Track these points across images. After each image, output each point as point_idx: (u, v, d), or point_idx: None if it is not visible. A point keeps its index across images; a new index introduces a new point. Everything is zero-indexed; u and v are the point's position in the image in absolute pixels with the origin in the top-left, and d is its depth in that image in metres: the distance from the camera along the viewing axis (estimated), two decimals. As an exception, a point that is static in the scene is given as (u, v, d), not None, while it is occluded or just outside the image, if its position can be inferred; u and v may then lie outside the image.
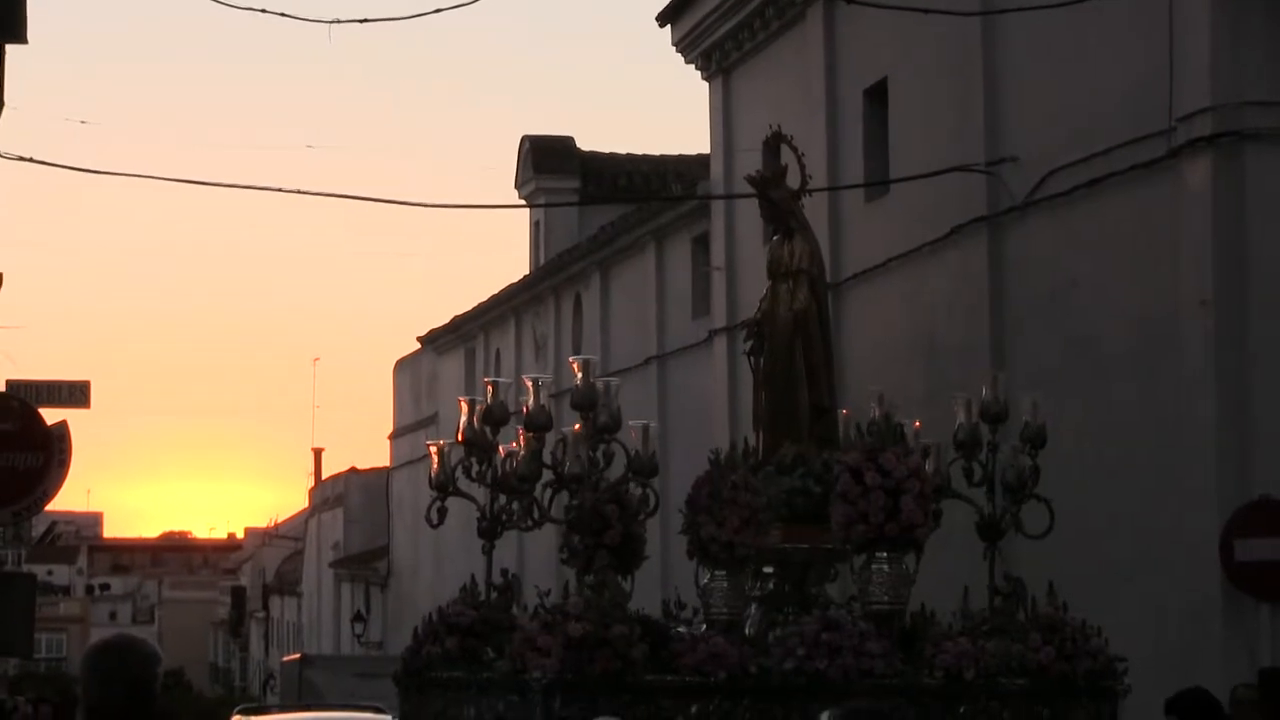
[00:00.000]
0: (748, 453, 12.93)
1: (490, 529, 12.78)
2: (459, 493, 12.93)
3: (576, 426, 12.35)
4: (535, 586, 12.65)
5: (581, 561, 11.94)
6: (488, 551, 12.81)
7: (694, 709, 11.41)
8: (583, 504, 11.91)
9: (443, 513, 12.88)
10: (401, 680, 12.93)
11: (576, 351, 30.51)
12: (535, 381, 12.77)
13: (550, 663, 11.23)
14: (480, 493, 12.87)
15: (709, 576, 12.04)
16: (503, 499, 12.79)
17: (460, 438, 12.86)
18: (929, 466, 12.52)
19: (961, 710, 11.74)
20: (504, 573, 13.01)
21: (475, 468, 12.75)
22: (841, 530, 12.07)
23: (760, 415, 13.50)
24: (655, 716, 11.34)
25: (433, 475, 13.05)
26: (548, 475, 12.56)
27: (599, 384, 12.29)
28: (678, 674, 11.47)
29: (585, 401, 12.15)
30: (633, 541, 12.00)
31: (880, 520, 11.85)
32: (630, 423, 12.36)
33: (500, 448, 12.84)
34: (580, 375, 12.26)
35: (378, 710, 23.59)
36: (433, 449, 13.27)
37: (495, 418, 12.81)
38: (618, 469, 12.25)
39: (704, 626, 12.00)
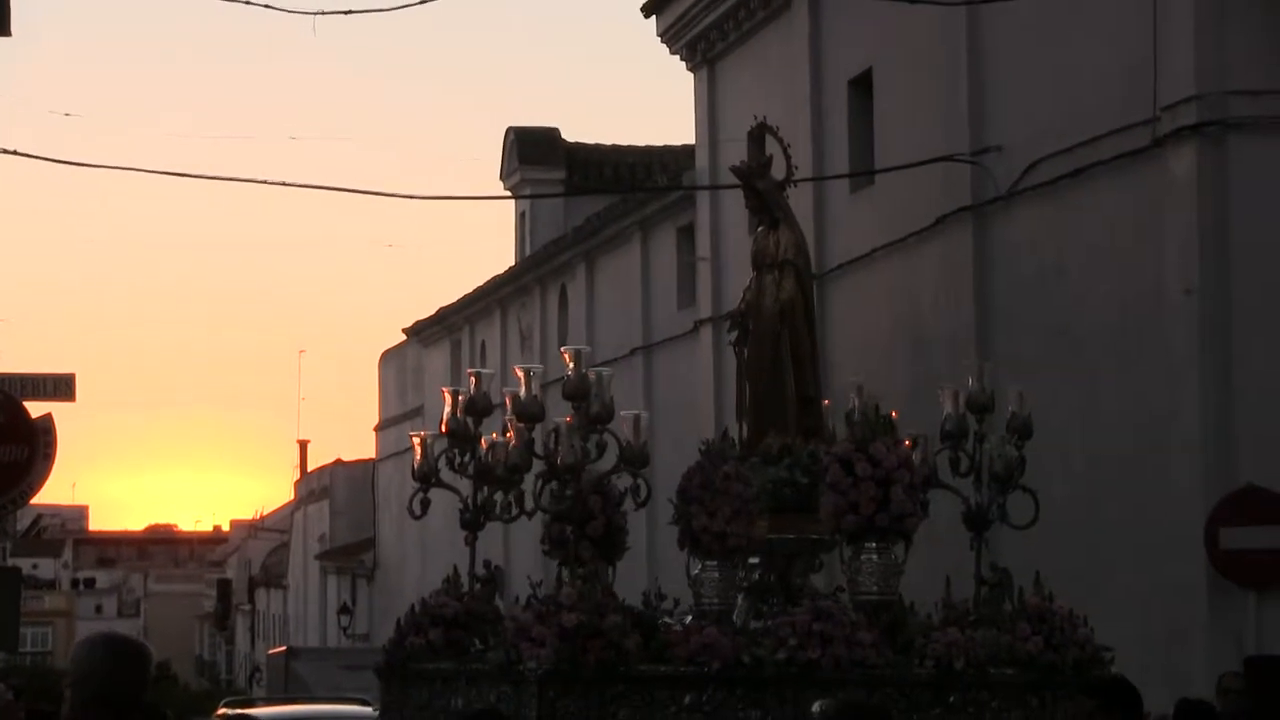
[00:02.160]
0: (729, 442, 12.91)
1: (473, 520, 12.75)
2: (441, 484, 12.90)
3: (568, 418, 12.32)
4: (527, 577, 12.63)
5: (564, 552, 11.92)
6: (471, 543, 12.80)
7: (687, 699, 11.41)
8: (574, 494, 11.90)
9: (425, 504, 12.85)
10: (384, 672, 12.89)
11: (562, 343, 30.50)
12: (527, 372, 12.73)
13: (545, 653, 11.22)
14: (464, 484, 12.85)
15: (700, 567, 12.02)
16: (485, 490, 12.77)
17: (444, 429, 12.84)
18: (916, 457, 12.50)
19: (951, 700, 11.75)
20: (486, 564, 13.00)
21: (458, 459, 12.73)
22: (831, 520, 12.07)
23: (745, 406, 13.49)
24: (648, 707, 11.33)
25: (416, 466, 13.04)
26: (538, 466, 12.52)
27: (591, 374, 12.26)
28: (671, 664, 11.46)
29: (577, 392, 12.12)
30: (615, 532, 11.99)
31: (870, 510, 11.86)
32: (622, 413, 12.33)
33: (483, 439, 12.81)
34: (572, 365, 12.24)
35: (363, 703, 23.57)
36: (416, 440, 13.25)
37: (478, 409, 12.79)
38: (608, 460, 12.23)
39: (688, 618, 11.99)
